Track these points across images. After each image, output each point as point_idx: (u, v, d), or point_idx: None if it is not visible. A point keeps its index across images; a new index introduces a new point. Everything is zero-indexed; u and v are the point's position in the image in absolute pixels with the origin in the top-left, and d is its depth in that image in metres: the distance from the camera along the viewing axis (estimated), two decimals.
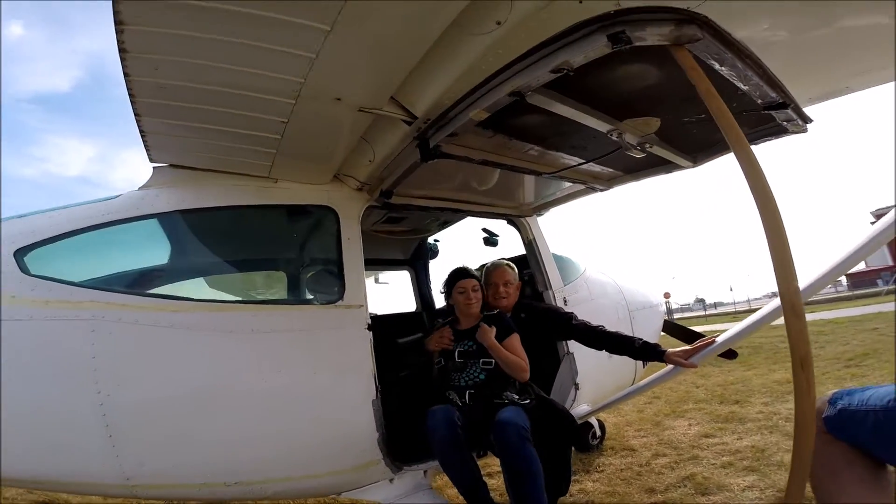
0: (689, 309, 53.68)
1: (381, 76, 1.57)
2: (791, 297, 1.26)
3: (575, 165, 2.44)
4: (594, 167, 2.56)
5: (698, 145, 2.34)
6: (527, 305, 2.88)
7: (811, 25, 1.47)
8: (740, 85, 1.59)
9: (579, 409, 3.13)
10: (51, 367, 1.83)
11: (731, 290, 71.60)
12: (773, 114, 1.83)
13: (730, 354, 4.04)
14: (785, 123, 1.95)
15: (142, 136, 1.83)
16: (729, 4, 1.27)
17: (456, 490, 2.40)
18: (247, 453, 2.06)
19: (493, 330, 2.52)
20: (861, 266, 54.89)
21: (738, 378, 7.36)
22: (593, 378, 3.19)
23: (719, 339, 2.22)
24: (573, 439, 2.50)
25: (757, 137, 2.12)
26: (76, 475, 1.91)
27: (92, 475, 1.91)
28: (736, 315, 29.22)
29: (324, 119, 1.75)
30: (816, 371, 6.24)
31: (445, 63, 1.53)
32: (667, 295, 36.83)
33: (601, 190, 2.94)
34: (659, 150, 2.20)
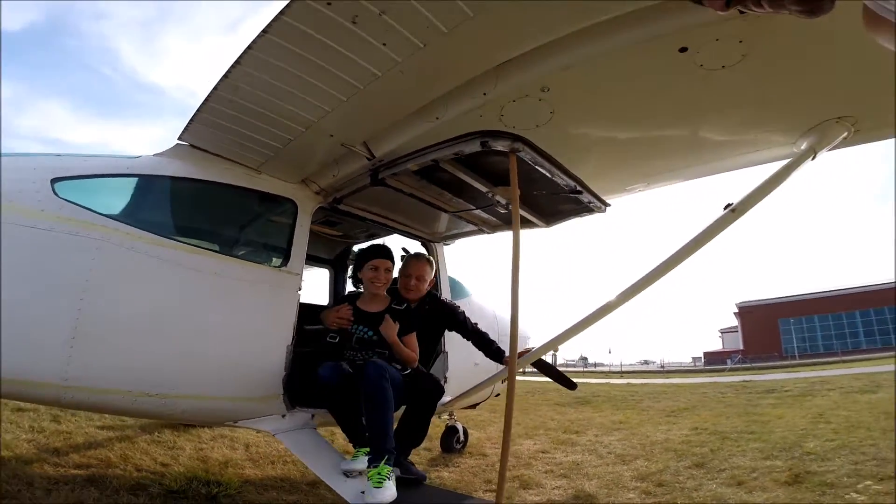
0: (574, 365, 58.50)
1: (365, 129, 2.48)
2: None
3: (468, 210, 3.44)
4: (483, 214, 3.54)
5: (547, 212, 3.43)
6: (433, 297, 3.34)
7: (609, 144, 2.55)
8: (552, 178, 2.70)
9: (444, 398, 3.79)
10: (54, 271, 2.20)
11: (610, 352, 79.20)
12: (577, 197, 2.99)
13: (569, 385, 5.15)
14: (588, 204, 3.13)
15: (191, 121, 2.43)
16: (545, 133, 2.35)
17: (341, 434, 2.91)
18: (177, 369, 2.46)
19: (397, 326, 2.80)
20: (718, 346, 63.90)
21: (585, 417, 8.80)
22: (459, 377, 3.94)
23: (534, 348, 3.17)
24: (434, 404, 2.88)
25: (561, 216, 3.40)
26: (17, 371, 2.11)
27: (33, 373, 2.15)
28: (609, 374, 32.71)
29: (315, 145, 2.58)
30: (644, 416, 7.81)
31: (402, 133, 2.46)
32: (556, 349, 40.19)
33: (487, 232, 3.96)
34: (521, 211, 3.21)
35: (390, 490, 2.27)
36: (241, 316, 2.70)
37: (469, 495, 2.72)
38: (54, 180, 2.30)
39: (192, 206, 2.94)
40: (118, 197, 2.59)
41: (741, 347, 51.16)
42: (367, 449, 2.50)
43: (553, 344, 3.07)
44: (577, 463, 4.93)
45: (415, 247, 4.23)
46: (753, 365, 33.83)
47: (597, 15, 1.67)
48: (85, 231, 2.27)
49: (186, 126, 2.49)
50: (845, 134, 2.27)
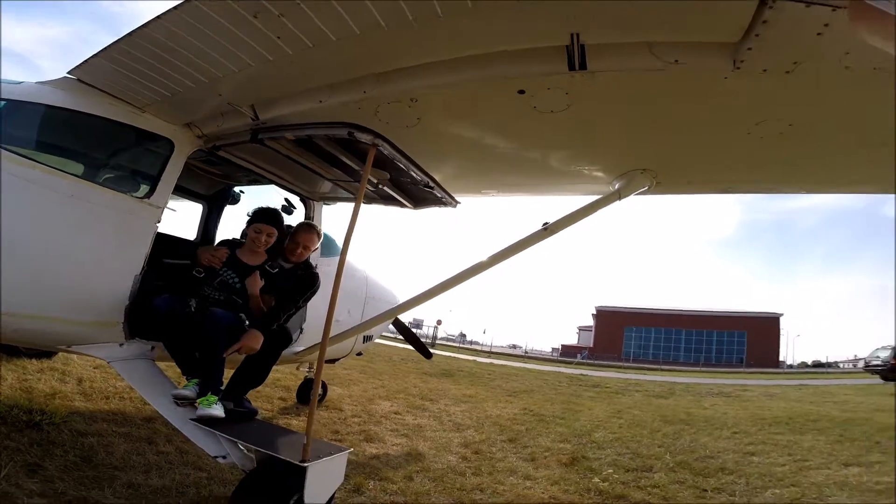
0: (453, 340, 62.20)
1: (254, 95, 2.64)
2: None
3: (345, 181, 3.84)
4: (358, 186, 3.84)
5: (415, 197, 3.91)
6: (308, 266, 3.45)
7: (465, 153, 3.02)
8: (407, 171, 3.14)
9: (296, 347, 4.01)
10: None
11: (484, 332, 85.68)
12: (429, 191, 3.53)
13: (425, 353, 5.81)
14: (442, 199, 3.71)
15: (86, 60, 2.41)
16: (411, 134, 2.73)
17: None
18: (14, 287, 2.39)
19: (262, 282, 3.03)
20: (574, 341, 72.39)
21: (444, 388, 9.75)
22: (315, 329, 4.01)
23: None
24: (278, 351, 3.05)
25: (426, 202, 3.93)
26: None
27: None
28: (479, 352, 35.55)
29: (205, 99, 2.68)
30: (490, 393, 9.06)
31: (287, 105, 2.64)
32: (439, 322, 42.01)
33: (363, 203, 4.39)
34: (390, 191, 3.68)
35: (217, 410, 2.56)
36: (91, 239, 2.69)
37: (294, 431, 2.98)
38: None
39: (63, 133, 2.85)
40: None
41: (591, 345, 58.72)
42: (198, 380, 2.75)
43: (397, 311, 3.79)
44: (421, 426, 5.63)
45: (295, 200, 4.36)
46: (596, 362, 38.94)
47: (452, 52, 2.02)
48: None
49: (81, 63, 2.47)
50: (648, 184, 2.83)
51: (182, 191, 4.46)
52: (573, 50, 1.82)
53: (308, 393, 5.56)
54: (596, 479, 4.28)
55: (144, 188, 3.04)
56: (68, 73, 2.61)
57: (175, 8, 1.90)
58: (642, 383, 16.90)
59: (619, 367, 31.83)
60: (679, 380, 19.79)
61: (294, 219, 4.26)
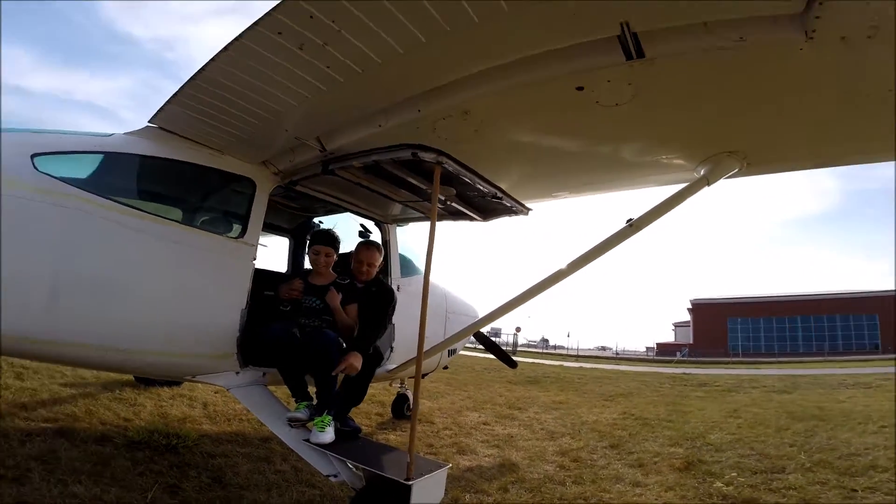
0: (535, 345, 60.64)
1: (318, 127, 2.79)
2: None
3: (415, 201, 3.87)
4: (429, 205, 3.83)
5: (483, 209, 3.89)
6: (380, 282, 3.55)
7: (530, 158, 2.96)
8: (474, 184, 3.14)
9: (388, 365, 4.12)
10: (33, 236, 2.40)
11: (569, 336, 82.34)
12: (497, 202, 3.51)
13: (510, 363, 5.71)
14: (511, 208, 3.64)
15: (162, 108, 2.66)
16: (471, 147, 2.74)
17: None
18: (143, 327, 2.71)
19: (340, 296, 3.18)
20: (671, 338, 67.24)
21: (531, 395, 9.48)
22: (405, 347, 4.18)
23: None
24: (372, 370, 3.21)
25: (496, 213, 3.90)
26: (4, 328, 2.29)
27: (12, 329, 2.32)
28: (565, 357, 34.26)
29: (274, 136, 2.88)
30: (583, 399, 8.65)
31: (350, 134, 2.76)
32: (518, 329, 41.17)
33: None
34: (458, 206, 3.70)
35: (330, 434, 2.79)
36: (199, 281, 2.95)
37: (396, 448, 3.13)
38: (34, 155, 2.52)
39: (158, 180, 3.17)
40: (91, 171, 2.81)
41: (691, 341, 54.12)
42: (307, 402, 3.01)
43: (480, 324, 3.74)
44: (512, 436, 5.49)
45: (370, 225, 4.49)
46: (699, 359, 35.94)
47: (499, 58, 2.00)
48: (60, 201, 2.47)
49: (158, 111, 2.73)
50: (738, 167, 2.62)
51: (269, 227, 4.78)
52: (626, 39, 1.74)
53: (401, 407, 5.76)
54: (718, 484, 3.92)
55: (237, 228, 3.31)
56: (149, 121, 2.89)
57: (225, 48, 2.05)
58: (757, 378, 15.27)
59: (727, 363, 29.17)
60: (802, 371, 17.63)
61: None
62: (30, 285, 2.38)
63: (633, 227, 2.71)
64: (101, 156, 2.82)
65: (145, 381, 5.24)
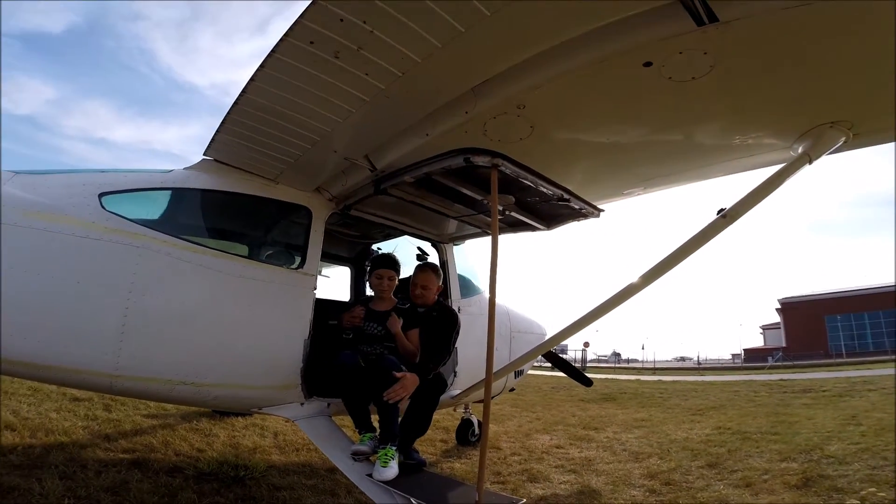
0: (605, 360, 57.53)
1: (365, 144, 2.71)
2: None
3: (470, 214, 3.63)
4: (485, 218, 3.69)
5: (546, 216, 3.59)
6: (442, 306, 3.48)
7: (596, 152, 2.66)
8: (535, 187, 2.87)
9: (452, 391, 3.99)
10: (104, 275, 2.50)
11: (643, 348, 77.27)
12: (564, 205, 3.17)
13: (584, 381, 5.25)
14: (581, 210, 3.29)
15: (213, 139, 2.69)
16: (528, 146, 2.51)
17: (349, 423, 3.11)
18: (209, 360, 2.75)
19: (401, 321, 3.16)
20: (759, 342, 61.34)
21: (608, 413, 8.78)
22: (469, 371, 4.04)
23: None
24: (436, 397, 3.06)
25: (561, 219, 3.56)
26: (75, 363, 2.42)
27: (88, 364, 2.44)
28: (641, 370, 32.09)
29: (323, 158, 2.83)
30: (668, 414, 7.81)
31: (398, 148, 2.66)
32: (586, 344, 39.30)
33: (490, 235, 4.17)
34: (518, 216, 3.42)
35: (393, 469, 2.64)
36: (263, 313, 2.97)
37: (463, 482, 2.91)
38: (101, 194, 2.62)
39: (218, 214, 3.24)
40: (155, 208, 2.91)
41: (783, 344, 49.03)
42: (371, 434, 2.89)
43: (549, 344, 3.31)
44: (590, 459, 5.01)
45: (427, 246, 4.42)
46: (796, 363, 32.43)
47: (551, 39, 1.79)
48: (129, 240, 2.58)
49: (210, 142, 2.77)
50: (843, 139, 2.24)
51: (330, 256, 4.85)
52: (692, 2, 1.53)
53: (466, 433, 5.47)
54: (851, 501, 3.36)
55: (297, 259, 3.31)
56: (204, 154, 2.95)
57: (261, 66, 1.99)
58: (872, 380, 13.41)
59: (829, 365, 26.05)
60: None
61: None
62: (103, 322, 2.47)
63: (728, 217, 2.32)
64: (162, 192, 2.92)
65: (221, 411, 5.33)
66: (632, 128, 2.37)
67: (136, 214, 2.69)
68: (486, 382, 2.53)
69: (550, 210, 3.39)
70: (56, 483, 2.78)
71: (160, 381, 2.63)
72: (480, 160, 2.54)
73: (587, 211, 3.29)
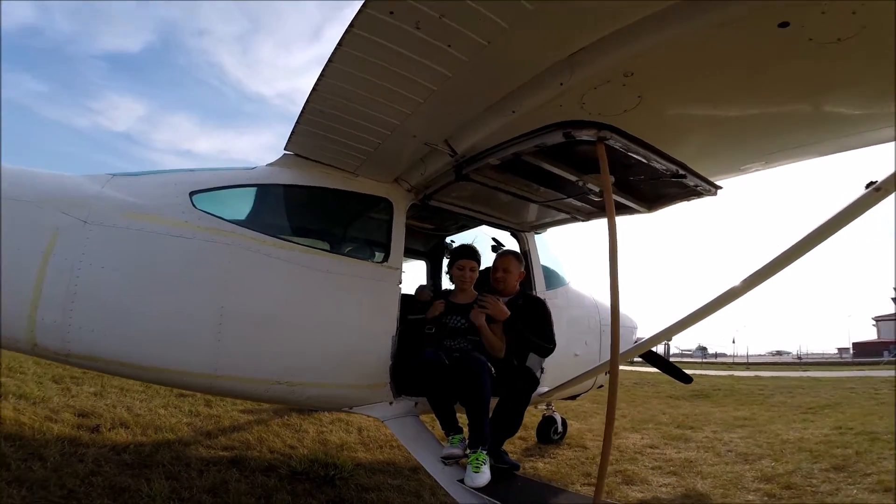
0: (690, 355, 53.53)
1: (445, 127, 2.55)
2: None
3: (558, 199, 3.36)
4: (575, 202, 3.43)
5: (649, 197, 3.22)
6: (527, 295, 3.35)
7: (713, 123, 2.34)
8: (649, 163, 2.54)
9: (541, 388, 3.73)
10: (197, 273, 2.51)
11: (734, 342, 70.76)
12: (682, 181, 2.78)
13: (683, 378, 4.83)
14: (696, 188, 2.88)
15: (293, 131, 2.65)
16: (634, 118, 2.22)
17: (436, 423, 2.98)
18: (302, 358, 2.72)
19: (485, 314, 3.01)
20: (873, 336, 54.13)
21: (702, 411, 8.15)
22: (557, 368, 3.84)
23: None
24: (528, 395, 2.92)
25: (667, 199, 3.18)
26: (173, 363, 2.44)
27: (187, 364, 2.45)
28: (732, 366, 29.51)
29: (402, 146, 2.71)
30: (774, 413, 7.06)
31: (481, 129, 2.48)
32: (668, 339, 36.67)
33: (581, 220, 3.83)
34: (618, 197, 3.06)
35: (486, 475, 2.47)
36: (351, 309, 2.91)
37: (563, 488, 2.69)
38: (192, 193, 2.66)
39: (302, 209, 3.24)
40: (242, 205, 2.95)
41: None
42: (460, 436, 2.74)
43: (665, 335, 2.93)
44: (690, 460, 4.62)
45: (505, 237, 4.24)
46: None
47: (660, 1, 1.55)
48: (220, 238, 2.59)
49: (290, 137, 2.74)
50: None
51: (406, 251, 4.86)
52: None
53: (548, 431, 5.20)
54: None
55: (380, 253, 3.24)
56: (285, 149, 2.93)
57: (339, 44, 1.85)
58: None
59: None
60: None
61: None
62: (200, 321, 2.50)
63: (882, 191, 1.95)
64: (249, 189, 2.95)
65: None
66: (760, 98, 2.05)
67: (225, 212, 2.70)
68: (612, 374, 2.25)
69: (655, 189, 3.05)
70: (163, 484, 2.85)
71: (257, 381, 2.63)
72: (585, 134, 2.27)
73: (703, 189, 2.89)
